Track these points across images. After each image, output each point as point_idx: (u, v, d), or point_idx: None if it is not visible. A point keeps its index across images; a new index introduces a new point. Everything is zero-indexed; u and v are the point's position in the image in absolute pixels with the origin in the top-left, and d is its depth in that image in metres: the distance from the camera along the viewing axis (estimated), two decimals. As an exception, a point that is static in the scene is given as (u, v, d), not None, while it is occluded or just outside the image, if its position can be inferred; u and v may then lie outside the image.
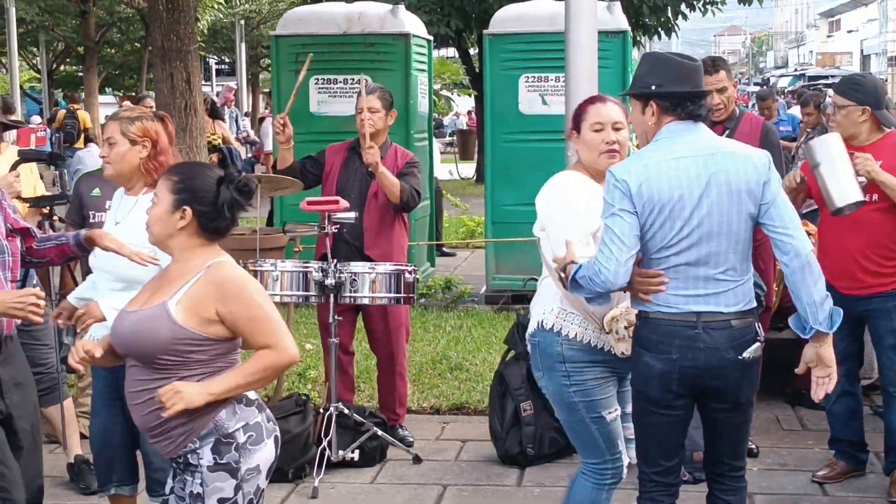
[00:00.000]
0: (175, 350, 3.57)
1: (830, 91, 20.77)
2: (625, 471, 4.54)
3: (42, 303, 4.09)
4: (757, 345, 4.14)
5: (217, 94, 25.10)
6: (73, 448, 6.14)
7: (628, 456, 4.55)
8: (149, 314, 3.64)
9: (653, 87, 4.17)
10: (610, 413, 4.48)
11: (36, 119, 17.91)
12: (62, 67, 39.04)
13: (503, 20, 10.91)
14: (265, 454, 3.67)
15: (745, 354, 4.11)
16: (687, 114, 4.14)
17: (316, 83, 10.68)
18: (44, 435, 6.49)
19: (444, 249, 13.83)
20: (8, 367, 4.21)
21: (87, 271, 6.46)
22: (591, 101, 4.66)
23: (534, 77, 10.52)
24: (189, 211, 3.63)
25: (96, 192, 6.41)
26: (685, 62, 4.21)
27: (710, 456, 4.38)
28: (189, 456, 3.63)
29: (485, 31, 11.02)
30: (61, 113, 24.03)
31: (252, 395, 3.70)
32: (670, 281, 4.08)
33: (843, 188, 5.45)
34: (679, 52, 4.42)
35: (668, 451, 4.25)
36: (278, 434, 3.76)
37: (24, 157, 6.11)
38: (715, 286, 4.08)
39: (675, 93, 4.14)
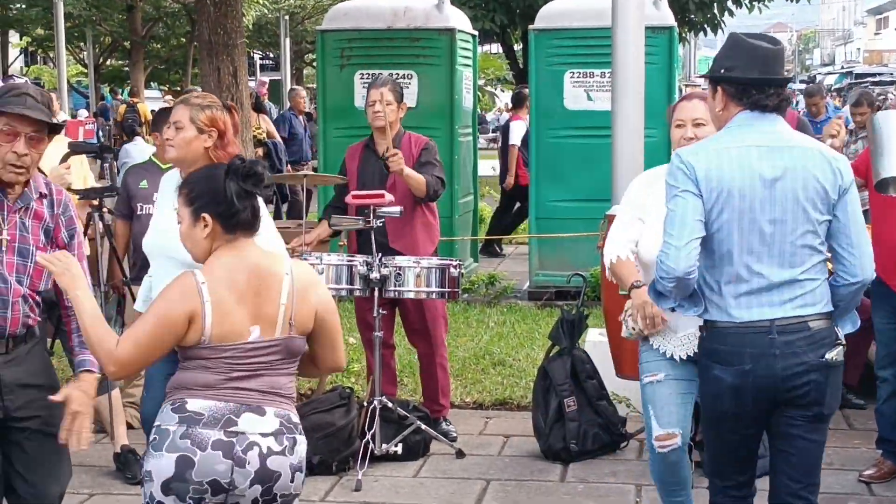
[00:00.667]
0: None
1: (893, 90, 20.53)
2: (654, 443, 4.58)
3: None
4: (840, 348, 3.90)
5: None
6: (120, 438, 6.20)
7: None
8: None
9: (722, 71, 3.95)
10: (646, 377, 4.62)
11: (83, 112, 18.07)
12: (109, 62, 39.40)
13: (549, 15, 10.88)
14: (159, 464, 3.45)
15: (828, 356, 3.86)
16: (752, 103, 3.88)
17: (360, 77, 10.70)
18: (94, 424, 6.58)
19: (496, 247, 13.72)
20: (14, 368, 4.05)
21: (134, 262, 6.54)
22: (681, 98, 4.79)
23: (579, 73, 10.49)
24: (207, 216, 3.55)
25: (143, 184, 6.49)
26: (760, 45, 3.92)
27: (780, 489, 4.05)
28: None
29: (530, 27, 10.99)
30: (122, 107, 24.34)
31: (193, 407, 3.48)
32: (735, 285, 3.84)
33: (893, 160, 5.36)
34: (765, 33, 4.14)
35: (742, 465, 4.07)
36: (196, 459, 3.43)
37: (74, 149, 6.19)
38: (789, 290, 3.84)
39: (740, 79, 3.90)
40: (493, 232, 13.30)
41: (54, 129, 4.10)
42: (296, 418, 3.63)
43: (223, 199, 3.54)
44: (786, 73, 4.00)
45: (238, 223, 3.57)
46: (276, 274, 3.58)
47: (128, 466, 6.12)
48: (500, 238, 13.31)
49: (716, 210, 3.81)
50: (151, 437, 3.52)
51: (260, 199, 3.69)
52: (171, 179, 4.86)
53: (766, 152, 3.84)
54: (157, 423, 3.52)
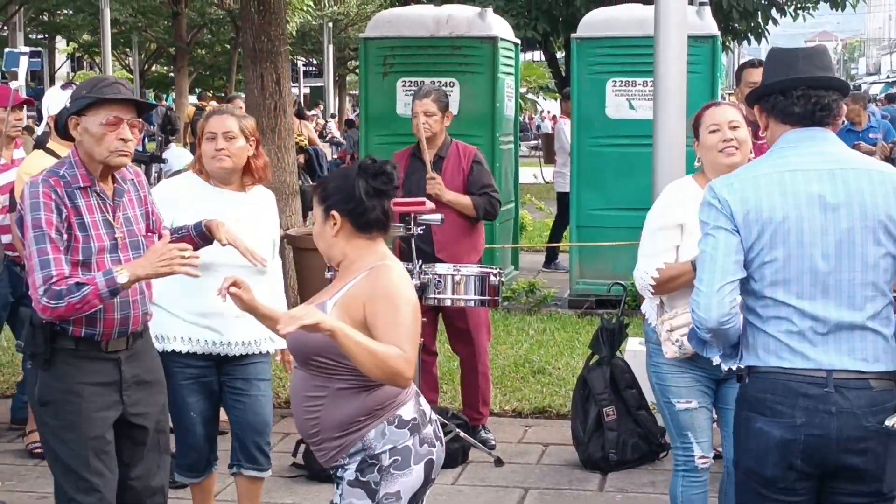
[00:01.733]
0: (327, 352, 3.52)
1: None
2: (699, 462, 4.61)
3: (187, 252, 3.98)
4: None
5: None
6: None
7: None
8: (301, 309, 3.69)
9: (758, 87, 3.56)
10: (680, 402, 4.59)
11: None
12: (154, 68, 39.70)
13: (591, 24, 10.88)
14: (409, 480, 3.57)
15: (890, 422, 3.28)
16: (781, 112, 3.41)
17: (403, 85, 10.73)
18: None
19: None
20: (133, 364, 4.19)
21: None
22: (706, 106, 4.71)
23: (621, 81, 10.48)
24: (336, 214, 3.60)
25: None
26: (786, 48, 3.53)
27: None
28: (338, 469, 3.64)
29: (573, 35, 10.99)
30: (190, 109, 24.67)
31: (407, 415, 3.61)
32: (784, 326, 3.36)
33: None
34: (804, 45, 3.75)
35: None
36: (434, 457, 3.63)
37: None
38: (848, 337, 3.33)
39: (764, 85, 3.47)
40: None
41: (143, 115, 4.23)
42: None
43: (352, 197, 3.59)
44: (826, 73, 3.43)
45: (369, 222, 3.61)
46: None
47: None
48: (557, 247, 13.18)
49: (757, 246, 3.35)
50: (392, 460, 3.55)
51: None
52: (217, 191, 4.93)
53: (815, 176, 3.34)
54: (388, 446, 3.56)
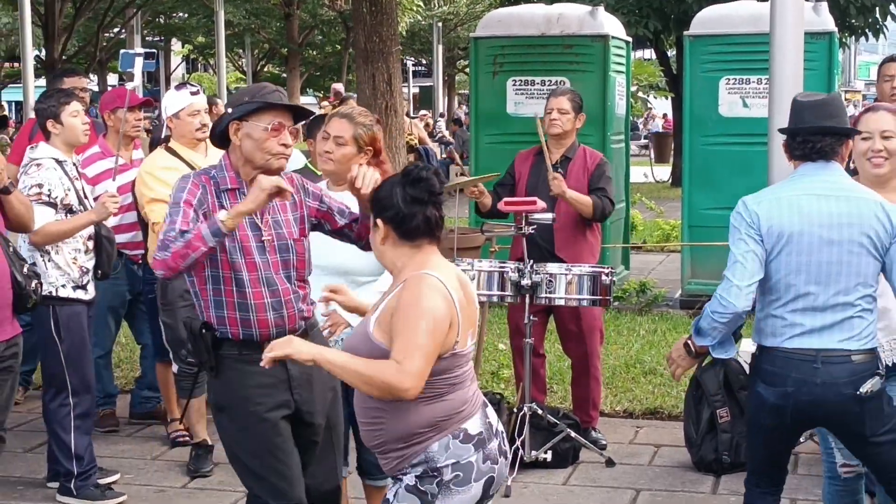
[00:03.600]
0: None
1: None
2: (840, 470, 4.68)
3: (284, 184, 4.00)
4: (876, 378, 4.15)
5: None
6: (200, 433, 6.45)
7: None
8: (356, 327, 3.73)
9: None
10: None
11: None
12: (266, 69, 40.26)
13: (704, 21, 10.76)
14: (466, 497, 3.53)
15: (862, 389, 4.11)
16: (791, 151, 4.29)
17: (513, 84, 10.73)
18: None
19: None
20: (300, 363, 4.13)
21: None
22: (865, 110, 4.69)
23: (735, 79, 10.35)
24: (380, 222, 3.61)
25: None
26: (797, 99, 4.34)
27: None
28: (400, 476, 3.64)
29: (685, 33, 10.89)
30: (329, 107, 25.02)
31: (473, 429, 3.57)
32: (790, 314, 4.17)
33: None
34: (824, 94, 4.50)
35: (773, 461, 4.40)
36: (496, 474, 3.59)
37: None
38: (839, 325, 4.14)
39: (780, 130, 4.40)
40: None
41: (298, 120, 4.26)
42: None
43: (393, 205, 3.58)
44: (823, 123, 4.23)
45: (412, 229, 3.58)
46: (467, 279, 3.71)
47: (197, 461, 6.33)
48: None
49: (775, 252, 4.16)
50: (453, 475, 3.52)
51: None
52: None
53: (823, 199, 4.17)
54: (451, 461, 3.53)
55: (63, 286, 5.79)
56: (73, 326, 5.82)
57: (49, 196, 5.70)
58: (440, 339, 3.46)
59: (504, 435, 3.71)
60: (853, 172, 4.66)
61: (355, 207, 4.41)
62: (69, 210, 5.77)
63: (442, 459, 3.53)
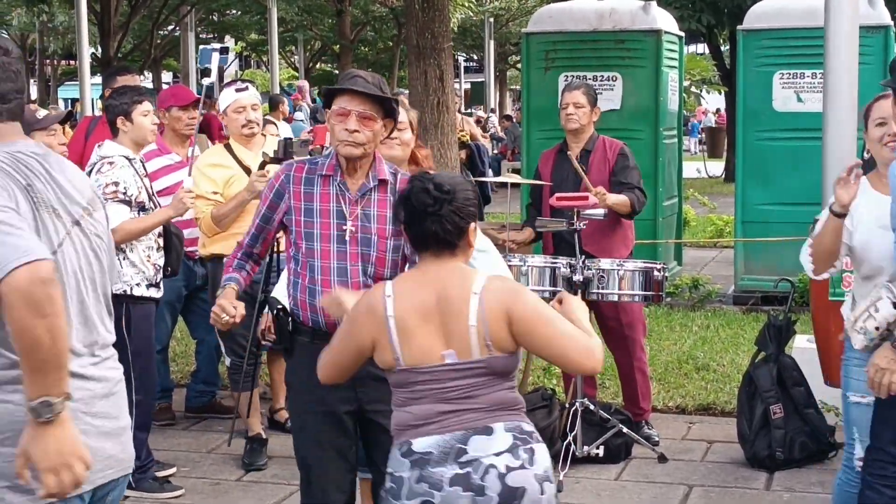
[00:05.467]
0: None
1: None
2: (856, 463, 4.51)
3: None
4: None
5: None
6: (255, 427, 6.50)
7: None
8: None
9: None
10: (854, 396, 4.52)
11: (298, 115, 18.62)
12: (318, 65, 40.41)
13: (758, 15, 10.69)
14: None
15: None
16: None
17: (565, 80, 10.69)
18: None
19: None
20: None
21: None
22: (876, 98, 4.63)
23: (789, 73, 10.29)
24: (402, 228, 3.61)
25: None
26: None
27: None
28: None
29: (738, 27, 10.83)
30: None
31: (419, 447, 3.40)
32: None
33: None
34: None
35: None
36: (436, 500, 3.32)
37: (271, 160, 6.26)
38: None
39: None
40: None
41: (390, 112, 4.18)
42: (529, 427, 3.45)
43: (397, 216, 3.57)
44: None
45: (414, 239, 3.53)
46: (463, 294, 3.40)
47: (252, 454, 6.38)
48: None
49: None
50: (388, 486, 3.44)
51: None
52: None
53: None
54: (389, 470, 3.46)
55: (138, 284, 5.79)
56: (142, 327, 5.85)
57: (125, 194, 5.71)
58: (348, 343, 3.55)
59: (496, 470, 3.33)
60: (869, 162, 4.64)
61: None
62: (142, 208, 5.79)
63: (386, 467, 3.49)
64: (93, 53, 24.63)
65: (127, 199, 5.72)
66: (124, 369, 5.67)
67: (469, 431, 3.37)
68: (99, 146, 5.97)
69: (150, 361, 5.98)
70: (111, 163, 5.77)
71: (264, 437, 6.45)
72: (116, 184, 5.71)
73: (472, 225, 3.52)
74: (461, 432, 3.37)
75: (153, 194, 5.98)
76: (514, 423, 3.42)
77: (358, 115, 4.07)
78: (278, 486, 6.06)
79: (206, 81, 7.11)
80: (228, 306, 4.16)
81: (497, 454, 3.34)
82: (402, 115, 4.93)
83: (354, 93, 4.09)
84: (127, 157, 5.84)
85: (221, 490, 6.07)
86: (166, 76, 36.65)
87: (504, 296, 3.41)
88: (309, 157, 4.56)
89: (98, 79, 22.14)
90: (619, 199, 6.41)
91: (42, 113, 5.40)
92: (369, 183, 4.19)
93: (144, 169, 6.05)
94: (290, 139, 6.37)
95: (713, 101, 37.71)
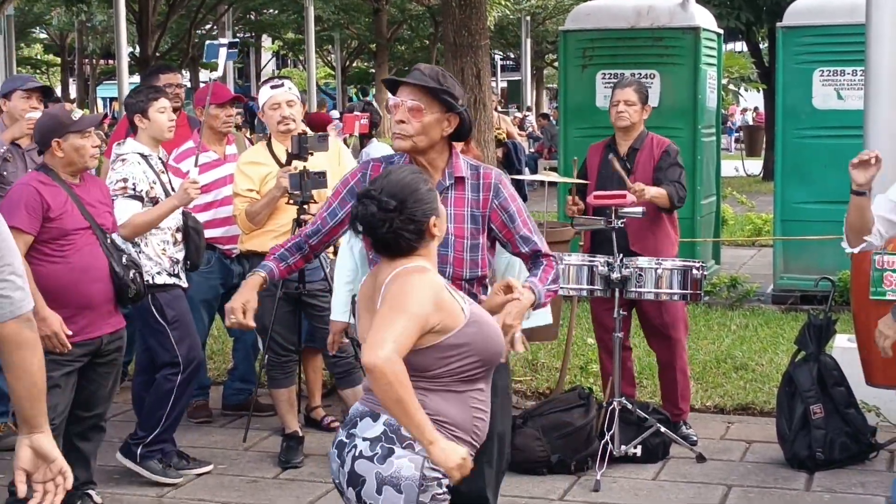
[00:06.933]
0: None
1: None
2: None
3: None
4: None
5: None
6: (291, 425, 6.47)
7: None
8: None
9: None
10: None
11: (334, 113, 18.66)
12: (355, 64, 40.54)
13: (798, 12, 10.60)
14: None
15: None
16: None
17: (602, 77, 10.68)
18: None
19: None
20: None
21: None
22: None
23: (829, 71, 10.20)
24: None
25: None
26: None
27: None
28: None
29: (778, 24, 10.75)
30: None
31: (352, 410, 3.62)
32: None
33: None
34: None
35: None
36: (331, 453, 3.56)
37: (294, 155, 6.26)
38: None
39: None
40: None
41: (450, 107, 4.01)
42: (407, 433, 3.39)
43: (355, 230, 3.57)
44: None
45: (374, 247, 3.54)
46: (379, 286, 3.48)
47: (289, 452, 6.36)
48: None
49: None
50: None
51: None
52: None
53: None
54: None
55: (158, 273, 5.91)
56: (175, 305, 5.95)
57: (134, 190, 5.81)
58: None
59: (356, 450, 3.46)
60: None
61: None
62: (156, 203, 5.88)
63: None
64: (131, 53, 24.79)
65: (137, 194, 5.82)
66: (168, 354, 5.72)
67: (367, 410, 3.52)
68: (118, 144, 6.10)
69: (192, 336, 6.05)
70: (123, 160, 5.91)
71: (301, 434, 6.45)
72: (125, 180, 5.82)
73: (432, 219, 3.50)
74: (364, 408, 3.54)
75: (173, 190, 6.02)
76: (397, 424, 3.41)
77: (407, 106, 3.99)
78: (314, 483, 6.06)
79: (213, 76, 7.09)
80: (239, 311, 4.00)
81: (364, 439, 3.47)
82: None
83: (407, 84, 4.03)
84: (142, 154, 5.93)
85: (258, 488, 6.07)
86: (203, 75, 36.82)
87: (392, 284, 3.44)
88: (384, 156, 4.45)
89: (136, 78, 22.31)
90: (658, 192, 6.37)
91: (78, 114, 5.43)
92: (445, 181, 4.06)
93: (164, 165, 6.12)
94: (306, 134, 6.36)
95: (751, 99, 37.51)
